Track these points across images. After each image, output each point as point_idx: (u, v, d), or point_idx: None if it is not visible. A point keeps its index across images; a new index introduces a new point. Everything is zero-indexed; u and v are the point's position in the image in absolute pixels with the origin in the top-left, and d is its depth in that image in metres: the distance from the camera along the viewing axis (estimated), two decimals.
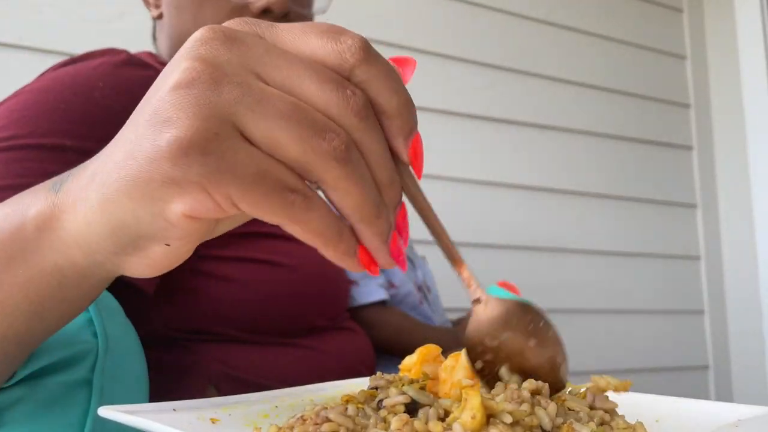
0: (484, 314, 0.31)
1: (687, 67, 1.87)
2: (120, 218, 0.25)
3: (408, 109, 0.27)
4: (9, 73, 1.05)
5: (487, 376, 0.32)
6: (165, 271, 0.28)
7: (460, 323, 1.03)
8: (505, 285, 1.00)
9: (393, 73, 0.26)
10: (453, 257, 0.31)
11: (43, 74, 0.60)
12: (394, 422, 0.29)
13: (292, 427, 0.31)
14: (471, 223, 1.46)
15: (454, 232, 1.30)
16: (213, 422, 0.33)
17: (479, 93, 1.53)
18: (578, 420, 0.29)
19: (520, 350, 0.31)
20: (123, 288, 0.52)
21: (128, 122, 0.25)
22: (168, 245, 0.26)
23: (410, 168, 0.29)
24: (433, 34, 1.49)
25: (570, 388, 0.35)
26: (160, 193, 0.23)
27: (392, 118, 0.26)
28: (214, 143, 0.22)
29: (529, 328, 0.30)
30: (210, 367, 0.59)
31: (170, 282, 0.58)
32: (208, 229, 0.26)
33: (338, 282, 0.75)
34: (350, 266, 0.26)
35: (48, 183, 0.29)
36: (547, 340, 0.31)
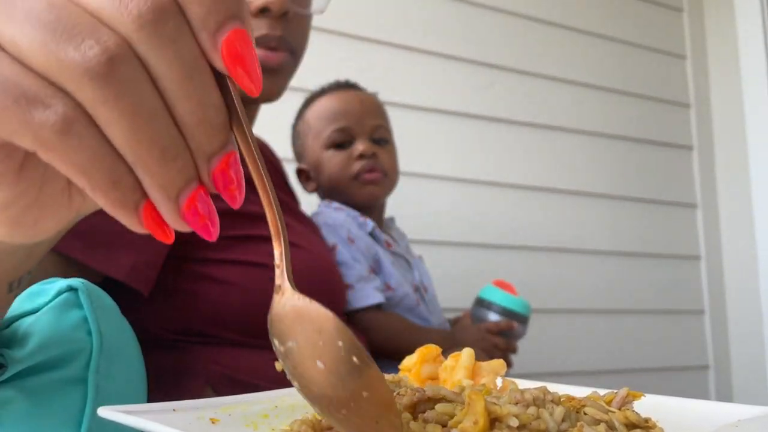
0: (275, 308, 0.24)
1: (687, 66, 1.87)
2: None
3: None
4: None
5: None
6: (29, 233, 0.23)
7: (457, 323, 1.03)
8: (501, 284, 1.00)
9: None
10: (275, 230, 0.24)
11: None
12: None
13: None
14: (471, 223, 1.45)
15: (454, 232, 1.30)
16: (213, 422, 0.32)
17: (479, 93, 1.53)
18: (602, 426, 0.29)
19: (307, 368, 0.23)
20: (119, 290, 0.52)
21: None
22: None
23: (234, 84, 0.21)
24: (433, 34, 1.48)
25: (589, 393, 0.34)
26: None
27: (190, 3, 0.20)
28: None
29: (318, 345, 0.23)
30: (208, 369, 0.59)
31: (167, 284, 0.58)
32: (7, 165, 0.21)
33: (334, 286, 0.75)
34: (129, 222, 0.21)
35: None
36: (343, 367, 0.23)
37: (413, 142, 1.35)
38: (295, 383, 0.24)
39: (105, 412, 0.29)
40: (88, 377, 0.36)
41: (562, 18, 1.67)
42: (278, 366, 0.25)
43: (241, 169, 0.22)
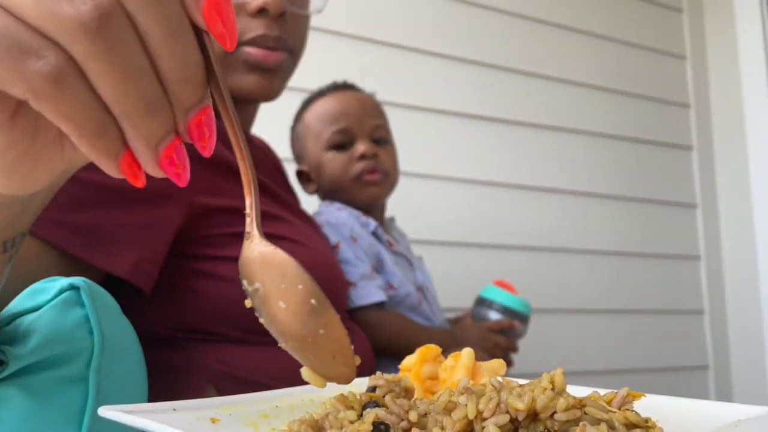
0: (245, 253, 0.27)
1: (687, 67, 1.87)
2: None
3: None
4: None
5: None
6: (23, 183, 0.24)
7: (458, 323, 1.03)
8: (501, 284, 1.00)
9: None
10: (246, 181, 0.26)
11: None
12: None
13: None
14: (471, 223, 1.46)
15: (455, 232, 1.30)
16: (213, 422, 0.33)
17: (479, 93, 1.53)
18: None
19: (271, 306, 0.26)
20: (121, 287, 0.52)
21: None
22: None
23: (212, 40, 0.23)
24: (433, 34, 1.48)
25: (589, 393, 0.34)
26: None
27: None
28: None
29: (281, 288, 0.26)
30: (209, 366, 0.59)
31: (169, 282, 0.58)
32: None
33: (336, 283, 0.75)
34: (107, 168, 0.22)
35: None
36: (301, 307, 0.26)
37: (413, 142, 1.36)
38: (261, 319, 0.27)
39: (106, 411, 0.29)
40: (88, 376, 0.36)
41: (562, 18, 1.67)
42: (248, 303, 0.27)
43: (214, 121, 0.23)
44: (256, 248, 0.26)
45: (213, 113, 0.23)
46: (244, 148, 0.25)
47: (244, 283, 0.27)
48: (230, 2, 0.22)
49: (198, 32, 0.22)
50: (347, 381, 0.29)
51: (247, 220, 0.26)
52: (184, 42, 0.21)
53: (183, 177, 0.23)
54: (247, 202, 0.26)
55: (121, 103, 0.20)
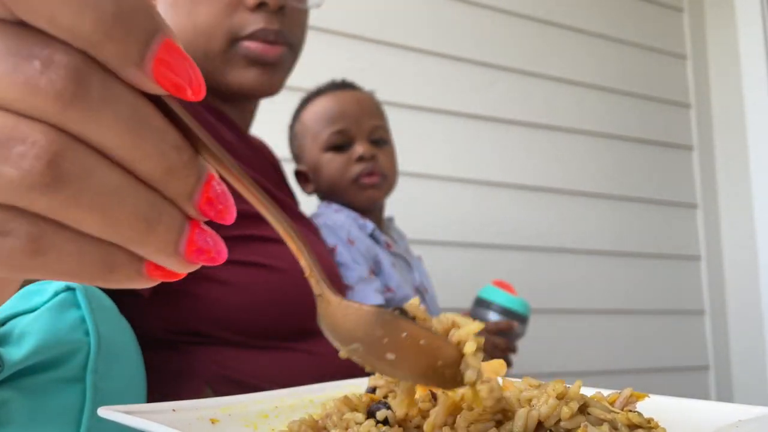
0: (326, 318, 0.25)
1: (688, 66, 1.87)
2: None
3: (123, 20, 0.16)
4: None
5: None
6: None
7: None
8: (500, 284, 1.00)
9: None
10: (290, 242, 0.23)
11: None
12: None
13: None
14: (471, 223, 1.45)
15: (455, 233, 1.30)
16: (213, 422, 0.33)
17: (479, 93, 1.52)
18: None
19: (378, 359, 0.25)
20: (119, 290, 0.52)
21: None
22: None
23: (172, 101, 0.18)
24: (433, 34, 1.48)
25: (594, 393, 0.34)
26: None
27: (102, 45, 0.16)
28: None
29: (383, 342, 0.24)
30: (207, 369, 0.59)
31: (167, 284, 0.58)
32: None
33: (333, 286, 0.75)
34: (137, 287, 0.19)
35: None
36: (413, 351, 0.25)
37: (413, 142, 1.35)
38: (368, 369, 0.26)
39: (105, 411, 0.29)
40: (85, 377, 0.36)
41: (562, 18, 1.66)
42: (342, 354, 0.26)
43: (225, 187, 0.20)
44: (337, 310, 0.25)
45: (218, 181, 0.20)
46: (271, 207, 0.21)
47: (337, 345, 0.25)
48: (180, 49, 0.17)
49: (158, 101, 0.18)
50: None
51: (312, 281, 0.24)
52: (151, 131, 0.17)
53: (220, 257, 0.20)
54: (303, 264, 0.24)
55: (116, 233, 0.17)
